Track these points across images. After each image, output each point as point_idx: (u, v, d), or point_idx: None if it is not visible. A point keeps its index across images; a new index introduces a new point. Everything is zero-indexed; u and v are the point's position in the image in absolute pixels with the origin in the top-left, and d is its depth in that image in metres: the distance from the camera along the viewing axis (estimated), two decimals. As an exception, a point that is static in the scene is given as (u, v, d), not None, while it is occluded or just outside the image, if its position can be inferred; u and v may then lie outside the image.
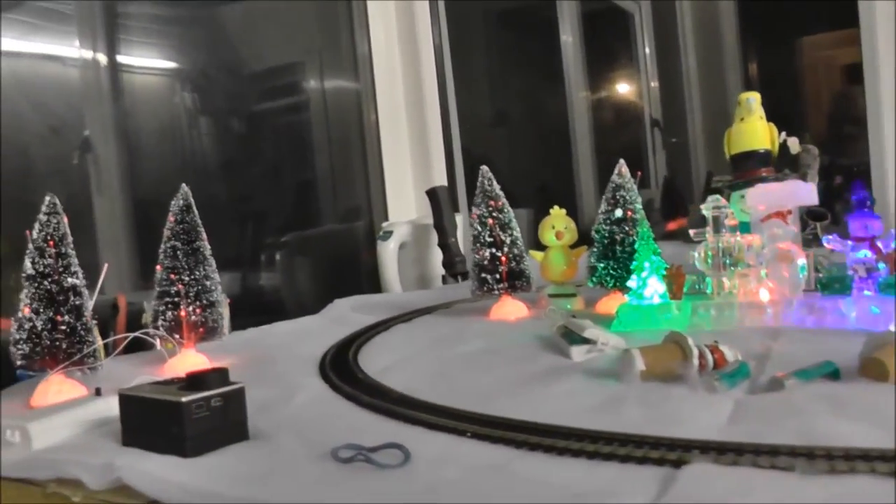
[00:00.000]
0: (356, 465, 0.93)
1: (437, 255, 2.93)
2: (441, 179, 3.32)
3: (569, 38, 4.80)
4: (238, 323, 1.89)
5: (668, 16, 5.45)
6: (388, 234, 2.98)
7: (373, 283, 3.15)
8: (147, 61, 2.66)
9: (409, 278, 3.01)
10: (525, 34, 4.70)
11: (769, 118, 2.02)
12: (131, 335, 1.55)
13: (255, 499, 0.86)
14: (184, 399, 1.00)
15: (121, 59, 2.50)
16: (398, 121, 3.40)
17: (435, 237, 2.94)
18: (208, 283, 1.59)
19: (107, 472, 0.95)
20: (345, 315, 2.11)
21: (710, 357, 1.24)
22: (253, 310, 2.71)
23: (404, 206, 3.34)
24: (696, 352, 1.23)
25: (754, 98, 1.97)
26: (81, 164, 2.39)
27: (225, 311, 1.64)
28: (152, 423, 1.04)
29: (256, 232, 2.96)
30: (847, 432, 0.92)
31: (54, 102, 2.31)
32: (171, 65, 2.73)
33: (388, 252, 2.95)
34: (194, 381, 1.05)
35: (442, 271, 2.95)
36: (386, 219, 3.29)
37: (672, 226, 3.87)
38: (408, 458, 0.92)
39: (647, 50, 5.69)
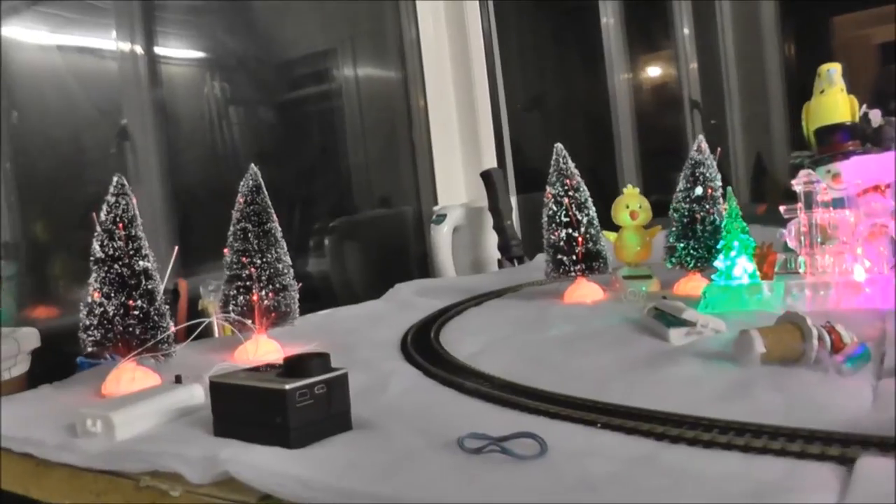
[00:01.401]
0: (488, 456, 0.85)
1: (492, 239, 2.86)
2: (490, 162, 3.25)
3: (610, 19, 4.72)
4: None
5: (706, -4, 5.35)
6: (442, 217, 2.90)
7: (422, 267, 3.09)
8: (185, 52, 2.65)
9: (463, 262, 2.94)
10: (566, 17, 4.62)
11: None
12: (206, 321, 1.48)
13: (389, 494, 0.78)
14: (288, 386, 0.92)
15: (158, 50, 2.49)
16: (447, 105, 3.35)
17: (489, 220, 2.86)
18: (280, 265, 1.52)
19: (210, 466, 0.88)
20: (410, 299, 2.03)
21: (827, 338, 1.16)
22: (304, 295, 2.68)
23: (454, 190, 3.27)
24: (815, 332, 1.14)
25: (835, 69, 1.88)
26: (120, 152, 2.35)
27: (296, 296, 1.56)
28: (250, 412, 0.96)
29: (305, 217, 2.91)
30: None
31: (93, 93, 2.29)
32: (205, 55, 2.73)
33: (442, 236, 2.88)
34: (294, 367, 0.96)
35: (497, 255, 2.88)
36: (436, 203, 3.23)
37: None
38: (545, 450, 0.84)
39: (686, 31, 5.59)
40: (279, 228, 1.54)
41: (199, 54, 2.69)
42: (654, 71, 5.54)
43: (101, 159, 2.34)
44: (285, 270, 1.53)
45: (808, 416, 0.90)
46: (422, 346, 1.46)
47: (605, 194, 2.10)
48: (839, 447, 0.80)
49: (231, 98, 2.73)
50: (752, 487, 0.74)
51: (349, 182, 3.20)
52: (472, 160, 3.28)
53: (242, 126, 2.79)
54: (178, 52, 2.61)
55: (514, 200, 2.97)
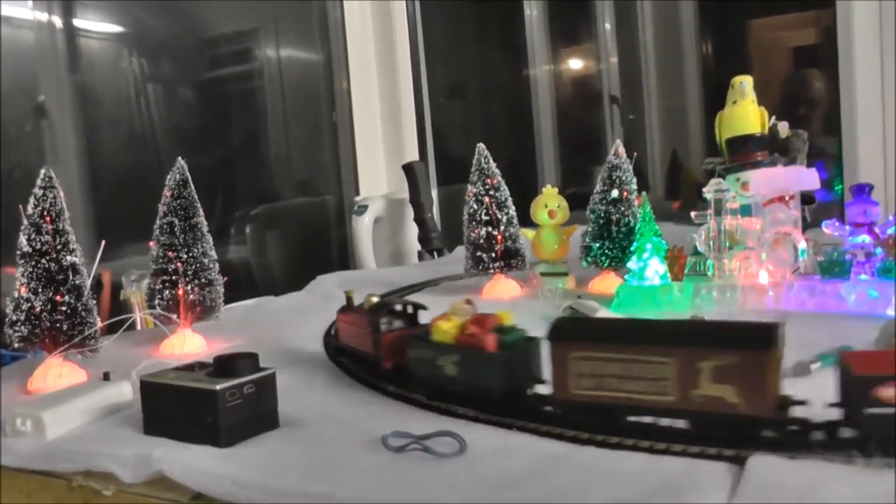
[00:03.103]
0: (410, 454, 0.90)
1: (413, 231, 2.90)
2: (412, 152, 3.29)
3: (533, 11, 4.77)
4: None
5: (628, -9, 5.44)
6: (364, 208, 2.94)
7: (343, 257, 3.12)
8: (104, 26, 2.59)
9: (383, 254, 2.98)
10: (490, 6, 4.66)
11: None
12: (132, 316, 1.50)
13: (319, 493, 0.82)
14: (218, 387, 0.96)
15: (77, 22, 2.44)
16: (370, 92, 3.36)
17: (410, 212, 2.90)
18: (206, 260, 1.54)
19: (143, 465, 0.91)
20: (332, 292, 2.06)
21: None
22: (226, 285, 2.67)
23: (376, 180, 3.30)
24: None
25: (747, 81, 1.96)
26: (36, 130, 2.31)
27: (221, 290, 1.59)
28: (181, 411, 0.99)
29: (226, 203, 2.90)
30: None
31: (7, 65, 2.23)
32: (124, 29, 2.67)
33: (363, 227, 2.91)
34: (224, 366, 1.00)
35: (417, 247, 2.92)
36: (357, 192, 3.25)
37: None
38: (463, 448, 0.89)
39: (608, 26, 5.68)
40: (205, 223, 1.56)
41: (119, 28, 2.64)
42: (575, 64, 5.63)
43: (17, 137, 2.29)
44: (211, 265, 1.56)
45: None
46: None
47: (526, 189, 2.16)
48: (734, 447, 0.86)
49: (151, 75, 2.70)
50: (654, 486, 0.80)
51: (271, 167, 3.19)
52: (394, 149, 3.31)
53: (162, 105, 2.76)
54: (97, 25, 2.56)
55: (434, 193, 3.01)
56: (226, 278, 1.60)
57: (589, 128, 5.19)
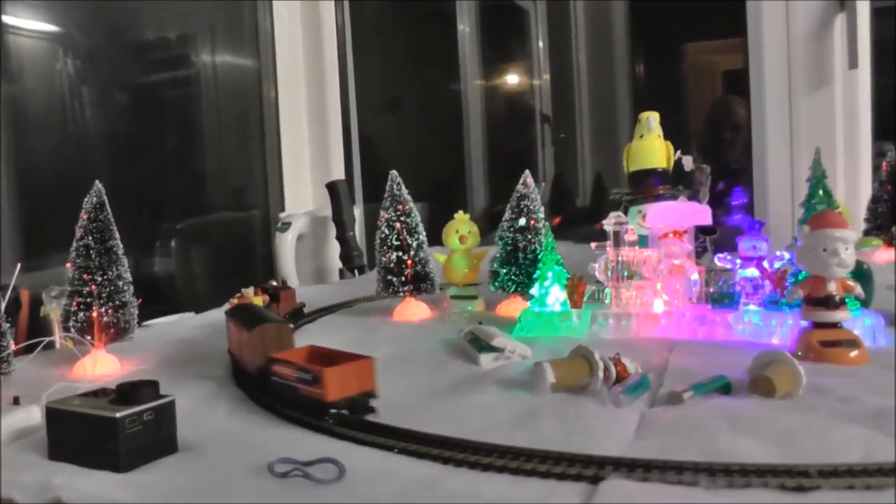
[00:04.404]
0: (293, 480, 0.96)
1: (335, 249, 2.96)
2: (338, 167, 3.34)
3: (466, 27, 4.84)
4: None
5: (562, 12, 5.54)
6: (287, 225, 2.98)
7: (268, 273, 3.15)
8: (36, 24, 2.56)
9: (305, 271, 3.03)
10: (423, 21, 4.71)
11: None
12: (45, 340, 1.54)
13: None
14: (118, 414, 1.01)
15: (6, 18, 2.41)
16: (298, 106, 3.40)
17: (333, 230, 2.96)
18: (121, 283, 1.58)
19: (43, 491, 0.96)
20: (252, 310, 2.11)
21: (613, 369, 1.32)
22: (150, 298, 2.67)
23: (301, 195, 3.35)
24: (601, 365, 1.30)
25: (654, 118, 2.05)
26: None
27: (135, 311, 1.64)
28: (83, 437, 1.04)
29: (151, 217, 2.91)
30: (743, 448, 1.00)
31: None
32: (58, 29, 2.64)
33: (286, 244, 2.96)
34: (125, 394, 1.06)
35: (339, 265, 2.98)
36: (283, 207, 3.29)
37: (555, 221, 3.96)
38: (343, 474, 0.96)
39: (541, 44, 5.78)
40: (121, 246, 1.60)
41: (52, 28, 2.62)
42: (507, 82, 5.72)
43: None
44: (125, 287, 1.60)
45: (578, 442, 1.05)
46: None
47: (455, 206, 2.24)
48: (595, 469, 0.95)
49: (85, 78, 2.68)
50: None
51: (201, 179, 3.21)
52: (321, 165, 3.37)
53: (97, 109, 2.74)
54: (28, 22, 2.53)
55: (357, 211, 3.07)
56: (140, 300, 1.65)
57: (520, 145, 5.29)
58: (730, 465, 0.93)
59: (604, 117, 5.20)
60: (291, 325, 1.50)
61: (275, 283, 2.25)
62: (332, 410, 1.17)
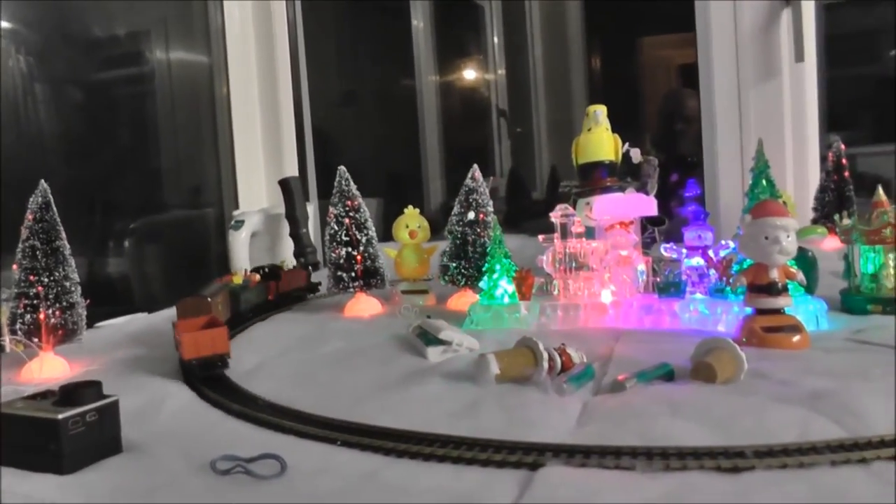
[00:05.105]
0: (235, 476, 0.97)
1: (289, 246, 2.95)
2: (292, 163, 3.33)
3: (420, 23, 4.84)
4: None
5: (517, 8, 5.55)
6: (240, 223, 2.97)
7: (222, 271, 3.13)
8: None
9: (260, 268, 3.02)
10: (376, 15, 4.70)
11: (609, 112, 2.13)
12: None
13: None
14: (60, 416, 1.01)
15: None
16: (251, 101, 3.39)
17: (286, 227, 2.96)
18: (68, 283, 1.57)
19: (-15, 496, 0.96)
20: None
21: (558, 360, 1.33)
22: (102, 299, 2.63)
23: (255, 193, 3.34)
24: (545, 356, 1.32)
25: (601, 111, 2.07)
26: None
27: (84, 312, 1.63)
28: (27, 440, 1.03)
29: (104, 216, 2.89)
30: (681, 432, 1.03)
31: None
32: (10, 25, 2.59)
33: (240, 242, 2.95)
34: (68, 395, 1.05)
35: (293, 262, 2.97)
36: (237, 205, 3.28)
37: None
38: (284, 469, 0.97)
39: (496, 40, 5.79)
40: (68, 246, 1.59)
41: (4, 24, 2.56)
42: (463, 76, 5.72)
43: None
44: (73, 288, 1.59)
45: (520, 431, 1.06)
46: (203, 364, 1.54)
47: (410, 200, 2.24)
48: (535, 456, 0.97)
49: (38, 75, 2.64)
50: (452, 496, 0.89)
51: (155, 176, 3.18)
52: (274, 161, 3.36)
53: (51, 106, 2.70)
54: None
55: (311, 208, 3.07)
56: (88, 301, 1.64)
57: (476, 140, 5.29)
58: (667, 449, 0.96)
59: (560, 111, 5.21)
60: (210, 299, 1.64)
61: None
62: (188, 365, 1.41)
